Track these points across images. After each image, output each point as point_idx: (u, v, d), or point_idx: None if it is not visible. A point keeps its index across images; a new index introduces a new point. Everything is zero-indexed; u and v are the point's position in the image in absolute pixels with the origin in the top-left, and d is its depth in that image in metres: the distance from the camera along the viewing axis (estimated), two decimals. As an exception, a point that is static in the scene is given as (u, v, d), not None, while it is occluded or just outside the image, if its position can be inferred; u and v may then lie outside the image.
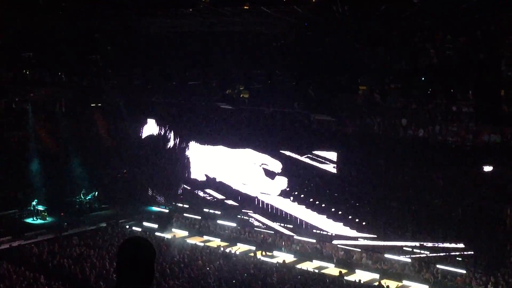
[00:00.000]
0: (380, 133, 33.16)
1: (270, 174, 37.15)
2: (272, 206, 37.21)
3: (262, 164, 37.35)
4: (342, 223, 34.21)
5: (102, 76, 39.81)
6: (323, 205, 34.98)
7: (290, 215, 36.33)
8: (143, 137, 43.90)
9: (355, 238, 33.68)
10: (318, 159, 34.75)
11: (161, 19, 31.00)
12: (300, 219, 35.87)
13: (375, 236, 32.96)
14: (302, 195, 35.91)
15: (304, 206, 35.77)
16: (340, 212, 34.33)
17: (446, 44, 29.22)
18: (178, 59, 35.28)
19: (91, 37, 37.10)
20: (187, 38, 34.53)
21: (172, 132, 42.41)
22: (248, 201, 38.26)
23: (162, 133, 43.00)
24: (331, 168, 34.53)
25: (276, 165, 36.84)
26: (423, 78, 28.95)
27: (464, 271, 29.98)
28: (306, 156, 35.28)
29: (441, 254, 30.90)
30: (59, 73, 40.97)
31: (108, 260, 30.84)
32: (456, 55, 28.70)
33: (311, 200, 35.46)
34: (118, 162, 45.03)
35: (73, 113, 44.10)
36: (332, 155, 34.49)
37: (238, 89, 36.34)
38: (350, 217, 33.99)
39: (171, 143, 42.55)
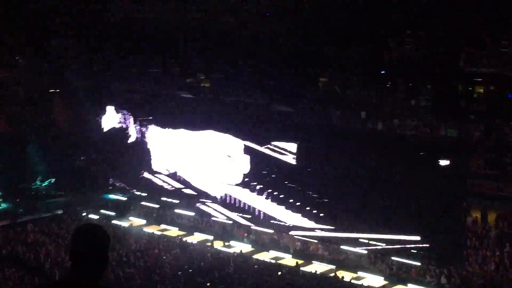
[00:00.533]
0: (340, 125, 33.29)
1: (230, 157, 37.07)
2: (230, 196, 37.17)
3: (223, 148, 37.23)
4: (300, 214, 34.31)
5: (62, 61, 39.35)
6: (281, 196, 35.01)
7: (249, 206, 36.35)
8: (102, 123, 43.38)
9: (313, 229, 33.83)
10: (278, 150, 34.77)
11: (126, 4, 30.74)
12: (258, 210, 35.92)
13: (333, 227, 33.14)
14: (261, 186, 35.90)
15: (263, 197, 35.79)
16: (298, 204, 34.41)
17: (406, 39, 29.50)
18: (140, 46, 35.07)
19: (53, 21, 36.66)
20: (150, 25, 34.31)
21: (132, 118, 41.94)
22: (206, 192, 38.15)
23: (122, 120, 42.55)
24: (290, 159, 34.57)
25: (237, 147, 36.62)
26: (383, 72, 29.19)
27: (418, 264, 30.32)
28: (265, 146, 35.20)
29: (397, 246, 31.20)
30: (17, 57, 40.35)
31: (64, 247, 30.51)
32: (416, 49, 28.99)
33: (270, 191, 35.48)
34: (76, 149, 44.47)
35: (32, 98, 43.36)
36: (292, 146, 34.51)
37: (199, 78, 36.23)
38: (308, 208, 34.10)
39: (131, 130, 42.12)
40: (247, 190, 36.40)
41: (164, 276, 27.41)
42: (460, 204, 30.94)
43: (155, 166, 40.84)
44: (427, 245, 30.47)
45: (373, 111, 32.35)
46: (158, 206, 39.70)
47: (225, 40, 32.67)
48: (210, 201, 37.86)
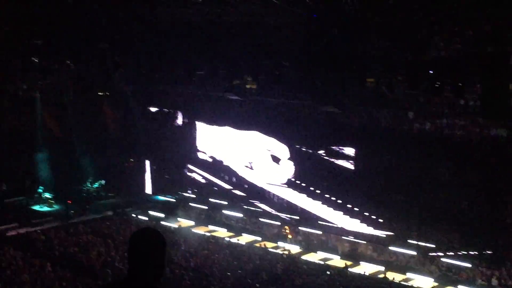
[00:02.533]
0: (390, 127, 33.10)
1: (277, 160, 37.04)
2: (280, 198, 37.04)
3: (269, 150, 37.26)
4: (359, 220, 33.82)
5: (110, 65, 39.84)
6: (340, 201, 34.58)
7: (303, 209, 36.15)
8: (150, 126, 43.90)
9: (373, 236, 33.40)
10: (336, 154, 34.41)
11: (170, 8, 30.99)
12: (313, 213, 35.65)
13: (392, 233, 32.67)
14: (312, 188, 35.61)
15: (316, 200, 35.54)
16: (356, 209, 33.99)
17: (454, 37, 29.14)
18: (185, 49, 35.28)
19: (99, 26, 37.12)
20: (194, 28, 34.49)
21: (180, 117, 42.28)
22: (255, 192, 38.20)
23: (170, 121, 43.01)
24: (348, 163, 34.13)
25: (283, 150, 36.66)
26: (430, 71, 28.85)
27: (469, 265, 29.98)
28: (323, 151, 34.86)
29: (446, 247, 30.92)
30: (67, 62, 41.02)
31: (114, 248, 30.98)
32: (464, 48, 28.61)
33: (327, 196, 35.08)
34: (125, 151, 45.09)
35: (81, 102, 44.10)
36: (349, 151, 34.12)
37: (245, 80, 36.34)
38: (366, 214, 33.71)
39: (178, 130, 42.48)
40: (297, 192, 36.10)
41: (213, 276, 27.62)
42: (508, 205, 30.52)
43: (203, 159, 41.03)
44: (477, 247, 30.12)
45: (421, 111, 32.08)
46: (207, 207, 40.00)
47: (270, 41, 32.71)
48: (258, 202, 37.83)
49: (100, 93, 45.27)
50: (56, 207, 39.90)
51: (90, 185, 41.89)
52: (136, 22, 35.67)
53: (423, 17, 27.59)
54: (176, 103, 42.34)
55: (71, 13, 33.87)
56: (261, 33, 32.79)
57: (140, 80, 39.58)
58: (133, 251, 4.41)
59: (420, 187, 31.64)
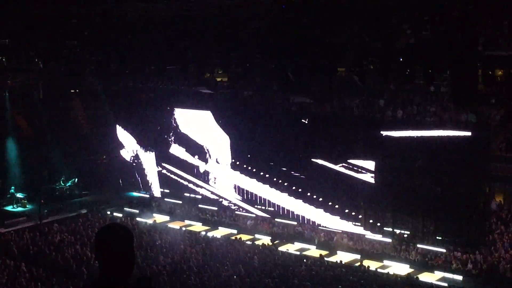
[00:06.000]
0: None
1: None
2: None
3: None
4: (381, 235, 32.65)
5: (79, 62, 39.51)
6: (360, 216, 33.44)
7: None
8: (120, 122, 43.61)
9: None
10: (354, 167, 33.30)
11: (138, 2, 30.80)
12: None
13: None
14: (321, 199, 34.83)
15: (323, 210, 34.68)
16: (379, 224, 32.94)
17: (423, 24, 29.30)
18: (155, 44, 35.08)
19: (68, 23, 36.77)
20: (163, 23, 34.30)
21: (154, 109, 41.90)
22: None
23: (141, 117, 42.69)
24: (368, 177, 32.90)
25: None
26: (400, 59, 29.02)
27: (444, 250, 30.24)
28: (340, 165, 33.66)
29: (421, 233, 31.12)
30: (36, 59, 40.64)
31: (90, 246, 30.77)
32: (433, 35, 28.78)
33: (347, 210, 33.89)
34: (97, 148, 44.81)
35: (51, 100, 43.71)
36: (369, 164, 32.85)
37: (216, 73, 36.28)
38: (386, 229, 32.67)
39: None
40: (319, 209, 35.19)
41: (191, 271, 27.56)
42: (483, 188, 30.84)
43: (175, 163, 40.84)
44: (452, 231, 30.37)
45: (392, 99, 32.27)
46: (181, 202, 39.90)
47: (240, 33, 32.65)
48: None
49: (71, 90, 44.89)
50: (29, 206, 39.53)
51: (63, 184, 41.53)
52: (105, 18, 35.40)
53: (392, 4, 27.73)
54: (148, 99, 42.00)
55: (39, 10, 33.55)
56: (230, 25, 32.72)
57: (110, 76, 39.30)
58: (99, 248, 4.33)
59: (394, 174, 31.74)
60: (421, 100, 31.96)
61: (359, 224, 33.06)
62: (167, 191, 41.04)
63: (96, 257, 4.33)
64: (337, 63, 30.32)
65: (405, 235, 31.57)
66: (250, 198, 37.29)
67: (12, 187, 39.63)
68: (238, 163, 37.50)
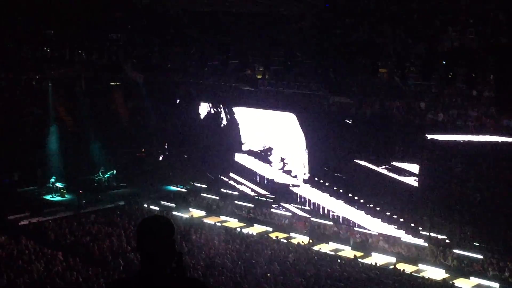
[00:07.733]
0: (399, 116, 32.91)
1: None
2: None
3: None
4: (422, 240, 32.09)
5: (122, 55, 39.91)
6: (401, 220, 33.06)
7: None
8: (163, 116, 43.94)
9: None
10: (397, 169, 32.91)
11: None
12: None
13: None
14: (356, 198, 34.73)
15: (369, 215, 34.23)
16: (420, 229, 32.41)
17: (467, 28, 28.97)
18: (197, 39, 35.26)
19: (111, 16, 37.19)
20: (206, 18, 34.46)
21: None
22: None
23: (184, 112, 42.99)
24: (412, 180, 32.48)
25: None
26: (443, 62, 28.73)
27: (481, 257, 29.84)
28: (383, 167, 33.42)
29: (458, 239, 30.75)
30: (80, 51, 41.14)
31: (126, 237, 31.04)
32: (478, 38, 28.45)
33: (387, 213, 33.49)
34: (137, 141, 45.20)
35: (93, 92, 44.16)
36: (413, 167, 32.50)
37: (257, 70, 36.29)
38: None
39: (195, 120, 42.34)
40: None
41: (225, 267, 27.63)
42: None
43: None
44: (490, 238, 29.95)
45: (434, 102, 31.87)
46: (218, 197, 40.01)
47: (283, 31, 32.62)
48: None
49: (112, 83, 45.33)
50: (68, 196, 39.98)
51: (101, 175, 41.93)
52: (149, 12, 35.70)
53: (437, 7, 27.46)
54: (190, 94, 42.17)
55: (83, 3, 33.96)
56: (273, 23, 32.74)
57: (152, 70, 39.61)
58: (141, 240, 4.37)
59: (437, 178, 31.36)
60: (463, 104, 31.53)
61: (400, 227, 32.70)
62: (204, 186, 41.22)
63: (138, 247, 4.37)
64: (379, 64, 30.14)
65: (447, 241, 31.06)
66: (287, 196, 37.26)
67: (53, 177, 40.14)
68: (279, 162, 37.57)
